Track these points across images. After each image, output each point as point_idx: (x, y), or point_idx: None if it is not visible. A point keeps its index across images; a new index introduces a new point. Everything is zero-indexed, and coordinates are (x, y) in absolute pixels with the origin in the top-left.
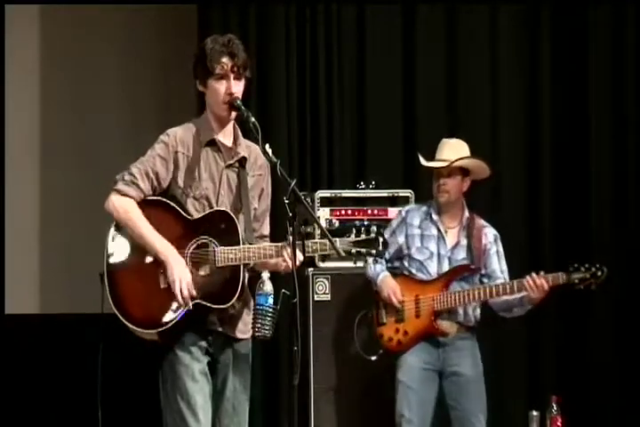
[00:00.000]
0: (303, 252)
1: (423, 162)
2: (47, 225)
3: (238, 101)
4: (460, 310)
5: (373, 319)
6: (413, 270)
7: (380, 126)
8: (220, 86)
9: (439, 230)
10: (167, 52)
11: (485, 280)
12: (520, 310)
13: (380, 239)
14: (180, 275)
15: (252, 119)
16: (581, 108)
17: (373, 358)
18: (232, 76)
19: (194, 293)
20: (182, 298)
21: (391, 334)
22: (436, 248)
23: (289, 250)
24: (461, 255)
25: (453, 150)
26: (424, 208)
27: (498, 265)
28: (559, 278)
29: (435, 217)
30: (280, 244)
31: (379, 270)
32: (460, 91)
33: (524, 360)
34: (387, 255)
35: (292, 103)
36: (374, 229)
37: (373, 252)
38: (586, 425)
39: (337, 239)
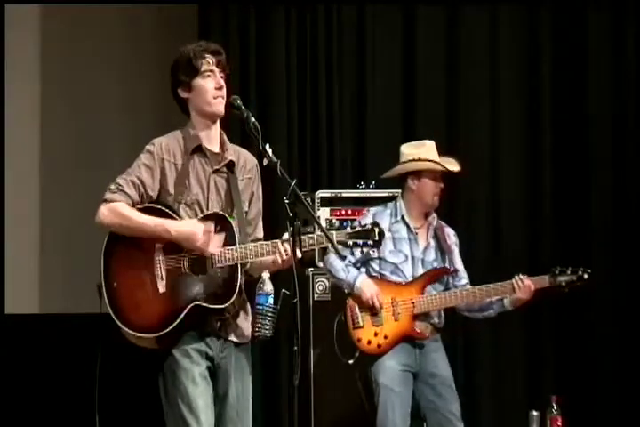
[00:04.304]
0: (300, 247)
1: (435, 167)
2: (47, 225)
3: (238, 101)
4: (435, 312)
5: (348, 322)
6: (387, 273)
7: (380, 126)
8: (208, 83)
9: (411, 232)
10: (167, 52)
11: (450, 280)
12: (494, 312)
13: (377, 229)
14: (196, 230)
15: (253, 119)
16: (581, 107)
17: (350, 361)
18: (218, 71)
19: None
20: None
21: (370, 337)
22: (410, 251)
23: (285, 245)
24: (432, 256)
25: (436, 151)
26: (388, 211)
27: (461, 264)
28: (545, 281)
29: (407, 219)
30: (276, 240)
31: (355, 274)
32: (460, 91)
33: (523, 360)
34: (352, 259)
35: (292, 103)
36: (370, 220)
37: (370, 242)
38: (586, 425)
39: (333, 232)
